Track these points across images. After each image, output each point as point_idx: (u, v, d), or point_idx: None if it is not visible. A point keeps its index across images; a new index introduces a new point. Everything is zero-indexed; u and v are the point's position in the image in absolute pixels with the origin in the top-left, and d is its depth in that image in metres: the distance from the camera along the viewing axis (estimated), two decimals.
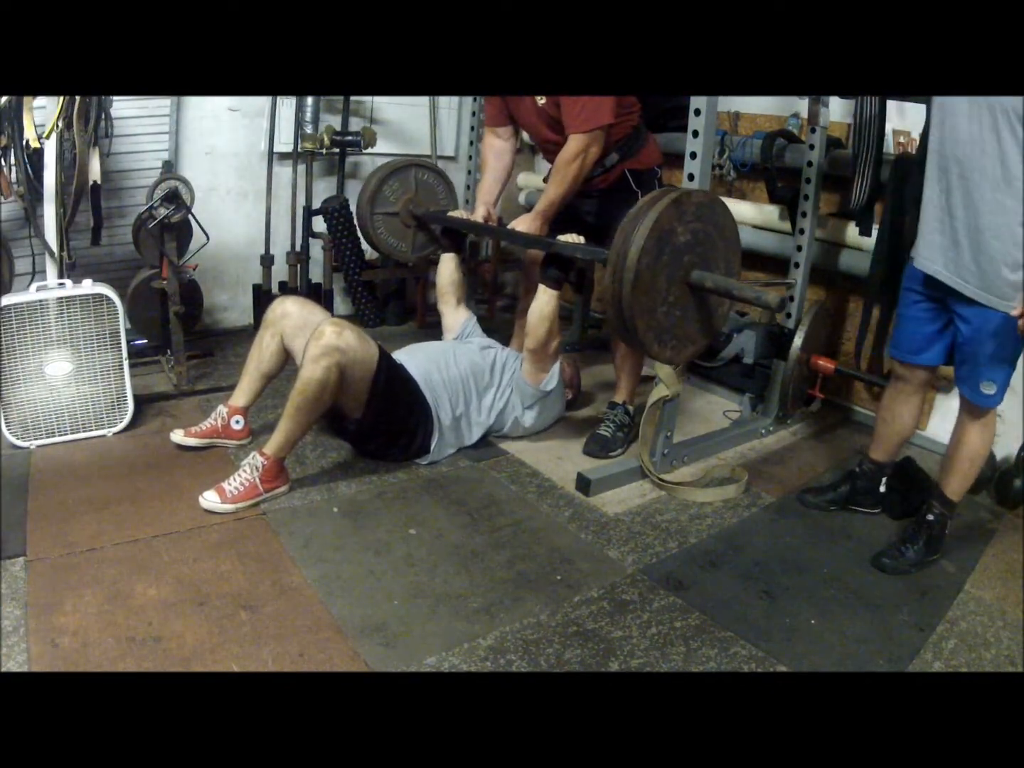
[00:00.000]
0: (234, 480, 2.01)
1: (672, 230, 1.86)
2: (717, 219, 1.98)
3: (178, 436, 2.28)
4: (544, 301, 2.31)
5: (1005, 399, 1.90)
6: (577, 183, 2.29)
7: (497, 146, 2.64)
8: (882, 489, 2.26)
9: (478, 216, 2.65)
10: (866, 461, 2.25)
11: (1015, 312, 1.67)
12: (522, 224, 2.40)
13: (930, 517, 2.02)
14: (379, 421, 2.25)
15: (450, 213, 2.84)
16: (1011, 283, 1.69)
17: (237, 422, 2.34)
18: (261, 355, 2.30)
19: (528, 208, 3.89)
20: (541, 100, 2.32)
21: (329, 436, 2.46)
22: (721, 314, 2.12)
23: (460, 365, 2.43)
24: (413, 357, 2.41)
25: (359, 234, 3.50)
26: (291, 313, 2.28)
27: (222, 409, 2.34)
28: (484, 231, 2.97)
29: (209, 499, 1.98)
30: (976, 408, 1.91)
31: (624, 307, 1.86)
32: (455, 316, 2.75)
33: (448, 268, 2.76)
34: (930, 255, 1.85)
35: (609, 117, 2.22)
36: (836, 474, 2.45)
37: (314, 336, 2.04)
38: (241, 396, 2.33)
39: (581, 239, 2.27)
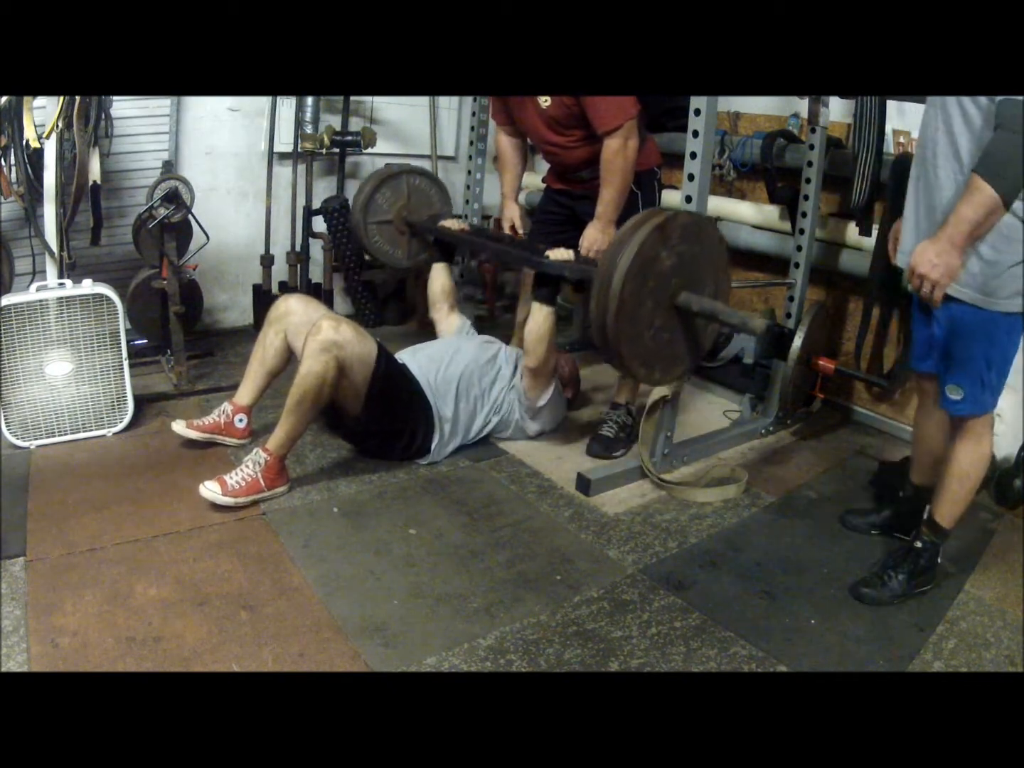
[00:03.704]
0: (236, 474, 2.01)
1: (656, 256, 1.83)
2: (704, 239, 1.96)
3: (180, 427, 2.28)
4: (540, 320, 2.30)
5: (1005, 399, 1.83)
6: (627, 177, 2.28)
7: (511, 141, 2.66)
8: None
9: (509, 214, 2.70)
10: (908, 485, 2.09)
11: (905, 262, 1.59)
12: (593, 233, 2.36)
13: (918, 544, 1.85)
14: (377, 419, 2.25)
15: (442, 223, 2.82)
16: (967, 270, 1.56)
17: (240, 420, 2.34)
18: (265, 352, 2.30)
19: (529, 208, 3.90)
20: (545, 103, 2.31)
21: (329, 435, 2.46)
22: (710, 332, 2.10)
23: (463, 362, 2.43)
24: (415, 357, 2.42)
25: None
26: (295, 310, 2.28)
27: (226, 406, 2.34)
28: (473, 244, 2.94)
29: (210, 488, 1.96)
30: (955, 420, 1.74)
31: (609, 334, 1.84)
32: (448, 323, 2.76)
33: (440, 277, 2.76)
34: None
35: (634, 107, 2.21)
36: (879, 494, 2.31)
37: (312, 332, 2.04)
38: (245, 394, 2.33)
39: (571, 254, 2.27)
